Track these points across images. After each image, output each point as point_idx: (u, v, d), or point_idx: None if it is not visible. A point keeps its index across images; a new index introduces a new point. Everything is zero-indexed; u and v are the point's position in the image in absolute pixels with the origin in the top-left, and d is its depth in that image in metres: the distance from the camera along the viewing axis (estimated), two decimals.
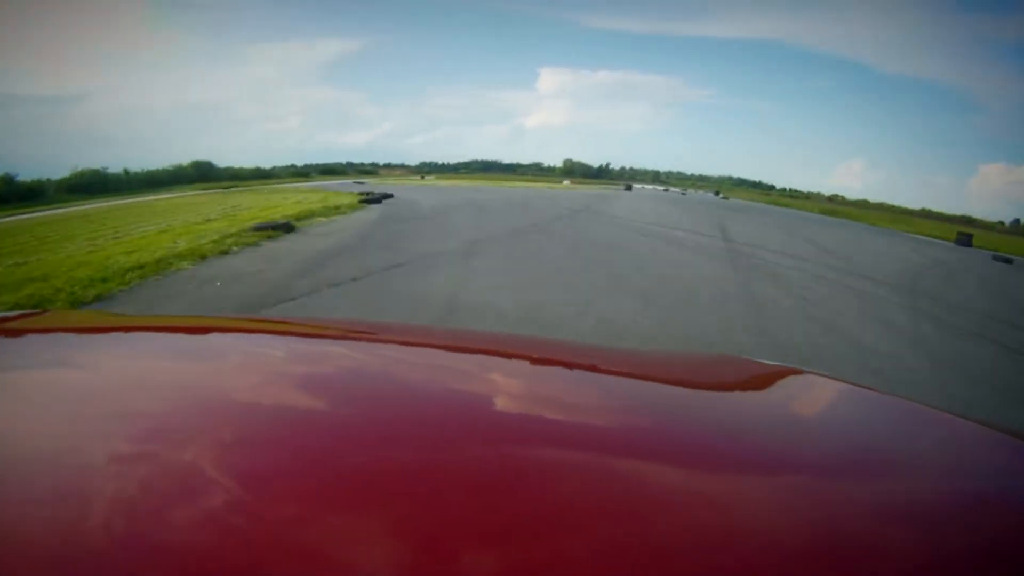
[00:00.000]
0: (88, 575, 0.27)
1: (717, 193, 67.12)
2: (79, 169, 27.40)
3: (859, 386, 0.73)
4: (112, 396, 0.48)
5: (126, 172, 31.02)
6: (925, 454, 0.54)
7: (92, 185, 25.73)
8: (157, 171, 35.47)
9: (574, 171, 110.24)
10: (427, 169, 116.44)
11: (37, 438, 0.40)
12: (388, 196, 17.16)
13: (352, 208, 13.46)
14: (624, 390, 0.65)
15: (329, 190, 24.01)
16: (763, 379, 0.76)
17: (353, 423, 0.46)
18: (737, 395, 0.70)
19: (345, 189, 24.65)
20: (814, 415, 0.64)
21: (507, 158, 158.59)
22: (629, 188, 57.45)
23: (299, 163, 57.18)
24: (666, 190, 67.37)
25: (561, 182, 73.70)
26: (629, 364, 0.77)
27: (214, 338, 0.73)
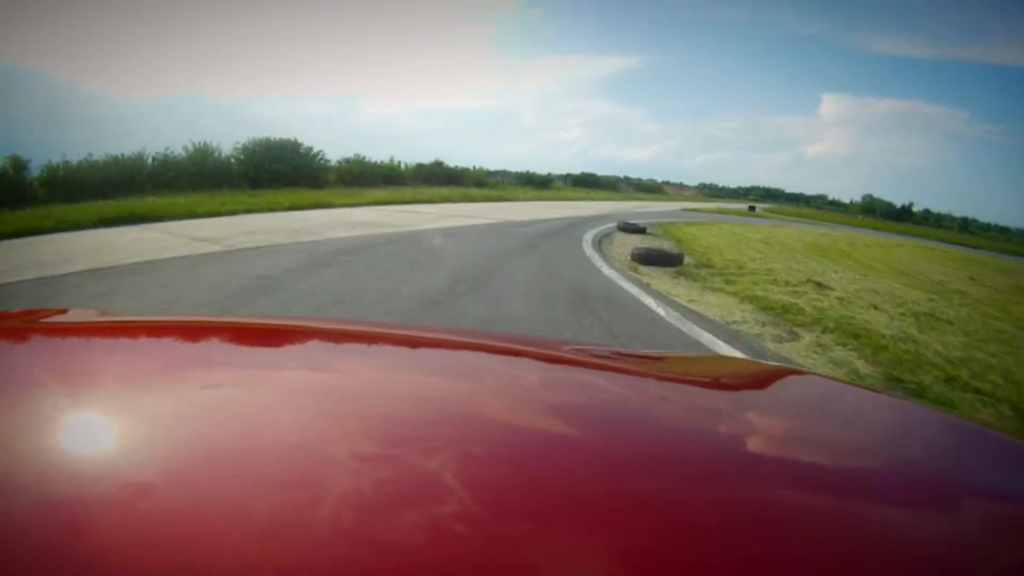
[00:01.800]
0: None
1: None
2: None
3: (858, 386, 0.74)
4: (123, 398, 0.48)
5: (153, 160, 14.46)
6: (923, 455, 0.54)
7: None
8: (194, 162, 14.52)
9: (875, 209, 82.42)
10: (708, 191, 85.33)
11: (45, 439, 0.40)
12: None
13: None
14: (623, 390, 0.65)
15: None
16: (762, 379, 0.76)
17: (359, 424, 0.47)
18: (736, 395, 0.70)
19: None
20: (813, 415, 0.64)
21: (788, 187, 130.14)
22: None
23: (576, 172, 49.39)
24: None
25: None
26: (628, 364, 0.78)
27: (224, 341, 0.74)
